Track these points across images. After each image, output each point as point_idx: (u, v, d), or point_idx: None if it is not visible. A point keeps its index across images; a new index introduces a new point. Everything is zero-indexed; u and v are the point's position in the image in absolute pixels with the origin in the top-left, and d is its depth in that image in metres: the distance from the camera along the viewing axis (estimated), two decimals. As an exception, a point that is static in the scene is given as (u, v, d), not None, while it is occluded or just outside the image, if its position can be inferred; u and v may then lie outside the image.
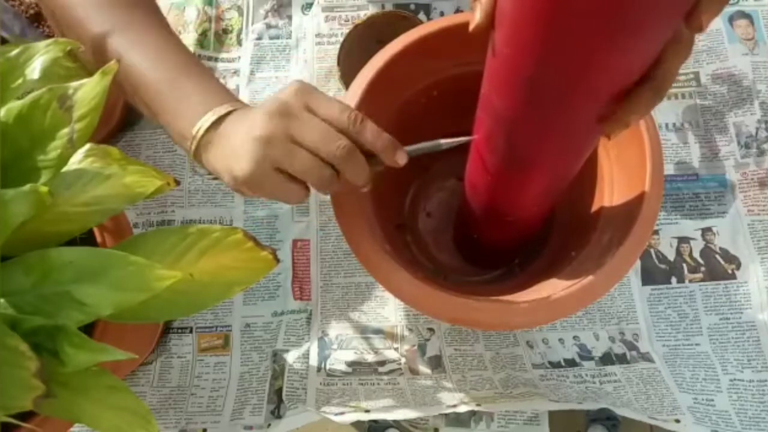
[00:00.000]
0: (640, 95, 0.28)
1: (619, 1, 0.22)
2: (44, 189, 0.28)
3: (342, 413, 0.49)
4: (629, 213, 0.39)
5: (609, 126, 0.31)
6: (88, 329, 0.38)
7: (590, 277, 0.37)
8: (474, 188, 0.44)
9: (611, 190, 0.44)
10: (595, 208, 0.45)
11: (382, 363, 0.54)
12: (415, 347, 0.54)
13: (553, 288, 0.38)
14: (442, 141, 0.38)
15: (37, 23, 0.62)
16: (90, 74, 0.31)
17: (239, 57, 0.64)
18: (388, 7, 0.64)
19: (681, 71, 0.61)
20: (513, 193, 0.41)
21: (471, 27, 0.29)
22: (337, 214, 0.40)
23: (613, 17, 0.23)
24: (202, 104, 0.36)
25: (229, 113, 0.36)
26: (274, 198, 0.36)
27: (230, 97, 0.38)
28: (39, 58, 0.32)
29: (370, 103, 0.42)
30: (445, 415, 0.53)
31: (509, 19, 0.27)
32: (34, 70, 0.32)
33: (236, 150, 0.34)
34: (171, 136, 0.38)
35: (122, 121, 0.60)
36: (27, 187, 0.28)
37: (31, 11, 0.62)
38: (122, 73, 0.37)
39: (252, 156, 0.33)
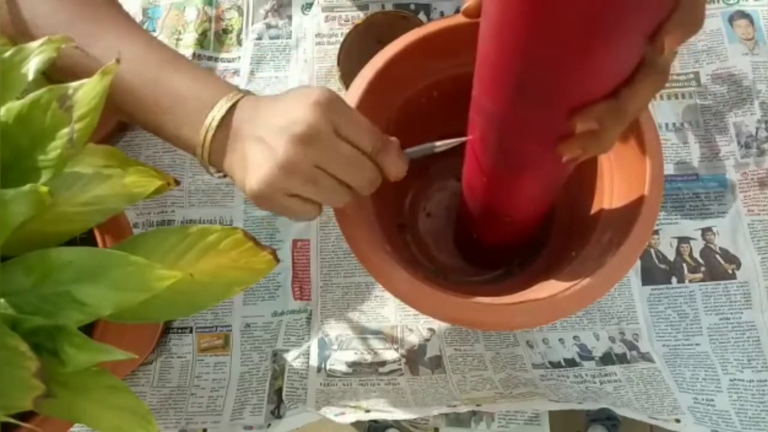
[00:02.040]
0: (597, 107, 0.28)
1: (583, 11, 0.23)
2: (44, 189, 0.28)
3: (342, 413, 0.49)
4: (629, 213, 0.39)
5: (565, 145, 0.30)
6: (88, 329, 0.38)
7: (590, 278, 0.37)
8: (471, 189, 0.44)
9: (611, 190, 0.44)
10: (595, 208, 0.45)
11: (383, 363, 0.54)
12: (416, 347, 0.54)
13: (553, 288, 0.38)
14: (437, 143, 0.38)
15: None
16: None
17: (239, 57, 0.64)
18: (388, 7, 0.63)
19: (681, 71, 0.61)
20: (509, 194, 0.41)
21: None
22: (337, 214, 0.40)
23: (581, 29, 0.24)
24: (200, 102, 0.34)
25: (233, 106, 0.33)
26: (283, 215, 0.34)
27: (225, 87, 0.35)
28: (33, 58, 0.32)
29: (370, 103, 0.42)
30: (446, 415, 0.53)
31: (492, 23, 0.27)
32: (29, 70, 0.32)
33: (251, 161, 0.32)
34: (172, 143, 0.36)
35: (122, 121, 0.60)
36: (27, 187, 0.28)
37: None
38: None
39: (268, 180, 0.31)
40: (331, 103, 0.31)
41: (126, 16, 0.37)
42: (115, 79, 0.33)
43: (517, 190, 0.40)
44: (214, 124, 0.33)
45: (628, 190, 0.41)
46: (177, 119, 0.34)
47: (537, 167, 0.36)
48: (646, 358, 0.53)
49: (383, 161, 0.34)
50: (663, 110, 0.60)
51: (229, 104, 0.33)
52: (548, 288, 0.39)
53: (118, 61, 0.30)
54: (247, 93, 0.35)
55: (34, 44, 0.31)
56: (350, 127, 0.32)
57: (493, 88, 0.31)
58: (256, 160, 0.32)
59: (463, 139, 0.38)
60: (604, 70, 0.27)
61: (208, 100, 0.33)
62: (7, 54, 0.31)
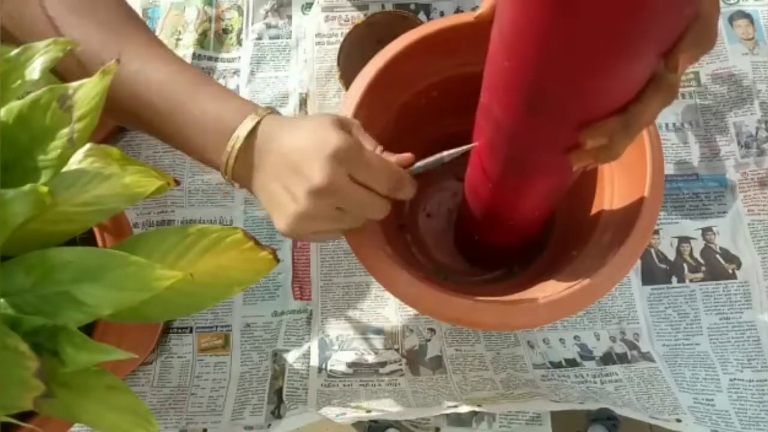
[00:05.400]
0: (607, 124, 0.29)
1: (607, 27, 0.23)
2: (44, 189, 0.28)
3: (343, 414, 0.48)
4: (630, 213, 0.39)
5: (575, 155, 0.31)
6: (88, 329, 0.38)
7: (591, 278, 0.37)
8: (475, 193, 0.44)
9: (612, 191, 0.44)
10: (595, 208, 0.45)
11: (383, 364, 0.54)
12: (416, 348, 0.54)
13: (553, 288, 0.38)
14: (445, 153, 0.38)
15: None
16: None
17: (239, 57, 0.64)
18: (388, 7, 0.64)
19: (681, 71, 0.61)
20: (515, 198, 0.41)
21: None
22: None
23: (600, 45, 0.24)
24: (221, 128, 0.35)
25: (253, 131, 0.35)
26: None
27: (245, 111, 0.35)
28: (39, 58, 0.32)
29: (370, 103, 0.42)
30: (447, 415, 0.53)
31: (509, 33, 0.27)
32: (34, 70, 0.32)
33: (276, 201, 0.35)
34: (196, 159, 0.37)
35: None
36: (27, 187, 0.28)
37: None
38: (127, 98, 0.36)
39: (293, 225, 0.35)
40: (347, 154, 0.33)
41: (148, 35, 0.39)
42: (140, 99, 0.35)
43: (523, 195, 0.39)
44: (234, 151, 0.35)
45: (628, 190, 0.41)
46: (200, 145, 0.36)
47: (545, 174, 0.36)
48: (646, 357, 0.53)
49: (397, 195, 0.37)
50: (663, 110, 0.60)
51: (246, 132, 0.35)
52: (549, 288, 0.39)
53: (118, 61, 0.30)
54: (270, 112, 0.36)
55: (40, 44, 0.31)
56: (366, 173, 0.34)
57: (503, 97, 0.31)
58: (282, 203, 0.34)
59: (470, 146, 0.38)
60: (618, 85, 0.27)
61: (228, 127, 0.35)
62: (13, 53, 0.31)
